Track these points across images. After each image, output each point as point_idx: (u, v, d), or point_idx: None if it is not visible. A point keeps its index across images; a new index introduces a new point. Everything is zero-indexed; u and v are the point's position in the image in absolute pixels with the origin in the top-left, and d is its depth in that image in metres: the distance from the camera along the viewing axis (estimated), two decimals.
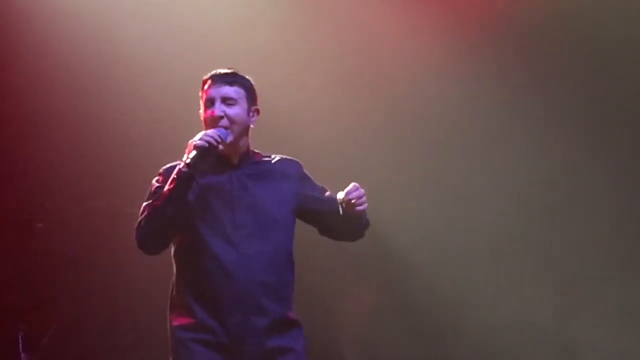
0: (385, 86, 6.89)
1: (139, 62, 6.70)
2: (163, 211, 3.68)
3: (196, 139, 3.71)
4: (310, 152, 5.61)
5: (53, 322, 6.44)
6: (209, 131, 3.76)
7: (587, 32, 6.64)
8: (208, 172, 3.83)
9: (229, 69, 3.94)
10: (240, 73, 3.95)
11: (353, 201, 3.69)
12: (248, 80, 3.94)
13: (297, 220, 4.01)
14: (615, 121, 6.75)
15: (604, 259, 6.66)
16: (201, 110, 3.93)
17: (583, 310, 6.63)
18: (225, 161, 3.88)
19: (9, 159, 6.27)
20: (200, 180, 3.77)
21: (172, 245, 3.87)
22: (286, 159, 4.03)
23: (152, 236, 3.73)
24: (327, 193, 4.00)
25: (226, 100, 3.85)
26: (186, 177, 3.68)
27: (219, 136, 3.73)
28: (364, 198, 3.72)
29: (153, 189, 3.83)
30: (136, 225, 3.76)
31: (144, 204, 3.79)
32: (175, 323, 3.83)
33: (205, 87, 3.90)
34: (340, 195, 3.72)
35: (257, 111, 3.95)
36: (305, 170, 4.06)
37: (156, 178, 3.88)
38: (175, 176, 3.70)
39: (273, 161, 4.00)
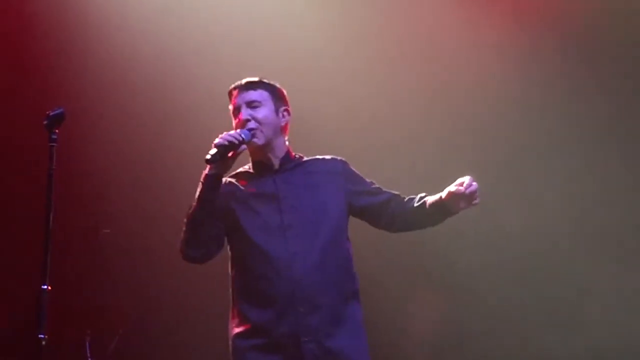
0: (444, 90, 6.83)
1: (202, 67, 6.73)
2: (194, 217, 3.77)
3: (216, 141, 3.76)
4: (365, 155, 5.62)
5: (120, 328, 6.48)
6: (231, 131, 3.81)
7: None
8: (252, 179, 3.92)
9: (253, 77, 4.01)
10: (265, 79, 4.01)
11: (473, 195, 3.74)
12: (271, 84, 3.99)
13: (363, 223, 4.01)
14: None
15: None
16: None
17: None
18: (268, 166, 3.94)
19: (73, 165, 6.32)
20: (245, 187, 3.88)
21: (230, 253, 3.94)
22: (330, 158, 4.05)
23: (189, 244, 3.83)
24: (375, 186, 4.03)
25: (251, 104, 3.91)
26: (211, 179, 3.75)
27: (240, 135, 3.77)
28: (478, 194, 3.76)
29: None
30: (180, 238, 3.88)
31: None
32: (232, 332, 3.87)
33: (231, 98, 3.98)
34: (452, 189, 3.74)
35: (288, 111, 3.99)
36: (352, 167, 4.06)
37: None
38: (201, 181, 3.77)
39: (317, 160, 4.03)
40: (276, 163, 3.94)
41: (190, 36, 6.77)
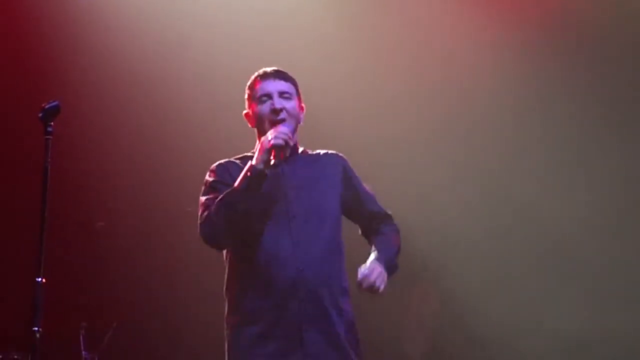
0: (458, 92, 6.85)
1: (202, 65, 6.75)
2: (236, 207, 3.68)
3: (270, 138, 3.69)
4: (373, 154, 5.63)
5: (114, 321, 6.48)
6: (280, 129, 3.76)
7: None
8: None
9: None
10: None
11: (371, 288, 3.73)
12: (295, 80, 4.00)
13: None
14: None
15: None
16: (246, 110, 3.98)
17: None
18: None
19: (69, 159, 6.32)
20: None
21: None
22: (332, 153, 4.06)
23: (225, 231, 3.73)
24: (371, 194, 4.06)
25: (283, 94, 3.90)
26: (257, 174, 3.67)
27: (291, 132, 3.77)
28: (377, 285, 3.74)
29: (209, 184, 3.87)
30: (202, 220, 3.77)
31: (203, 198, 3.82)
32: (229, 320, 3.85)
33: (258, 83, 3.94)
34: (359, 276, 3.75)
35: (303, 108, 4.01)
36: (351, 165, 4.08)
37: (208, 174, 3.91)
38: (249, 173, 3.69)
39: (320, 154, 4.05)
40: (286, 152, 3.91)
41: (186, 31, 6.78)
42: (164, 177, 6.84)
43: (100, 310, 6.59)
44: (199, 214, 3.80)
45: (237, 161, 3.95)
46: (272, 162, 3.66)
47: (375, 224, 4.03)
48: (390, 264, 3.87)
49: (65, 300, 6.35)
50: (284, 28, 6.76)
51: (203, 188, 3.88)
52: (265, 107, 3.88)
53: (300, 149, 4.03)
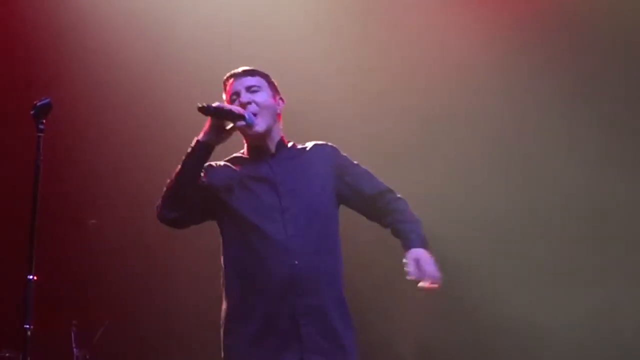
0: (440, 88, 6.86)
1: (193, 63, 6.74)
2: (177, 180, 3.78)
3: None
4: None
5: (105, 318, 6.47)
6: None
7: None
8: (247, 163, 3.94)
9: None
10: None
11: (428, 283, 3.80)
12: (266, 73, 4.05)
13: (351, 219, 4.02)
14: None
15: None
16: None
17: None
18: (264, 150, 3.95)
19: (61, 156, 6.31)
20: (241, 170, 3.89)
21: (221, 239, 3.93)
22: (321, 144, 4.07)
23: (166, 204, 3.84)
24: (368, 174, 4.06)
25: (250, 88, 3.96)
26: (201, 146, 3.78)
27: (242, 111, 3.81)
28: (434, 276, 3.81)
29: None
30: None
31: None
32: (225, 317, 3.86)
33: (228, 85, 4.01)
34: (408, 268, 3.80)
35: (282, 100, 4.05)
36: (342, 152, 4.08)
37: None
38: (191, 146, 3.80)
39: (308, 147, 4.05)
40: (272, 148, 3.96)
41: (177, 28, 6.77)
42: (156, 175, 6.77)
43: (92, 307, 6.57)
44: None
45: (227, 162, 4.00)
46: (202, 105, 3.70)
47: (381, 204, 4.00)
48: (424, 240, 3.91)
49: (57, 298, 6.34)
50: (271, 25, 6.75)
51: None
52: (236, 105, 3.92)
53: (290, 144, 4.04)
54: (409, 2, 6.85)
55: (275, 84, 4.06)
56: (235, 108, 3.83)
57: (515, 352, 6.71)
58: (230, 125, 3.81)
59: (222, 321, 3.88)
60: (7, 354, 5.80)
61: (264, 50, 6.33)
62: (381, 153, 6.73)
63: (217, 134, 3.80)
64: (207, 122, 3.80)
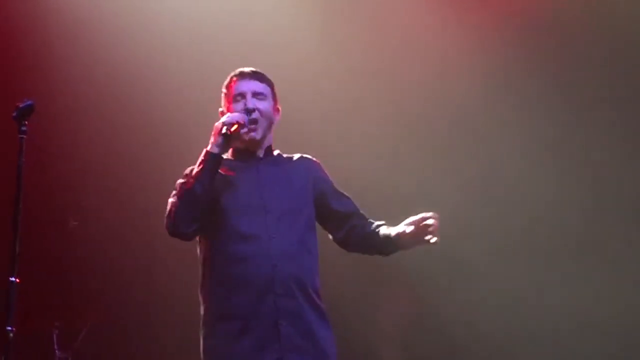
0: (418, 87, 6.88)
1: (179, 63, 6.74)
2: (193, 193, 3.75)
3: (223, 120, 3.81)
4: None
5: (88, 320, 6.46)
6: (235, 114, 3.85)
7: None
8: (233, 165, 3.95)
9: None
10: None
11: (430, 229, 3.75)
12: (272, 82, 4.07)
13: None
14: None
15: None
16: (222, 108, 4.03)
17: None
18: (252, 153, 3.98)
19: (43, 156, 6.30)
20: (226, 172, 3.90)
21: (199, 239, 3.93)
22: (306, 157, 4.10)
23: (184, 219, 3.77)
24: (346, 196, 4.06)
25: (257, 95, 3.97)
26: (214, 157, 3.79)
27: (245, 120, 3.84)
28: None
29: (178, 186, 3.88)
30: (167, 215, 3.82)
31: (170, 199, 3.85)
32: (204, 317, 3.87)
33: (234, 82, 4.01)
34: (401, 229, 3.77)
35: (278, 110, 4.07)
36: (325, 170, 4.11)
37: (181, 180, 3.92)
38: (202, 158, 3.80)
39: (294, 158, 4.09)
40: (261, 153, 4.00)
41: (165, 28, 6.76)
42: (139, 176, 6.81)
43: (74, 309, 6.56)
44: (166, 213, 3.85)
45: None
46: (223, 132, 3.75)
47: (357, 221, 4.01)
48: None
49: (39, 300, 6.32)
50: (261, 28, 6.76)
51: (173, 191, 3.90)
52: (238, 106, 3.94)
53: (276, 152, 4.08)
54: (397, 4, 6.87)
55: (275, 92, 4.07)
56: (239, 117, 3.84)
57: (501, 353, 6.74)
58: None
59: (201, 322, 3.88)
60: None
61: (250, 53, 6.33)
62: (372, 154, 6.77)
63: (227, 146, 3.84)
64: (214, 133, 3.82)
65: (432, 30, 6.82)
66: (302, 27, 6.79)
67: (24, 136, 3.81)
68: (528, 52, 6.75)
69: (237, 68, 4.06)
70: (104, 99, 6.78)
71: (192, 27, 6.76)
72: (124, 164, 6.86)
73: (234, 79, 4.01)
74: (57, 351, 6.21)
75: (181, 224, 3.78)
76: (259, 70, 4.05)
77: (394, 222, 3.90)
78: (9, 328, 3.66)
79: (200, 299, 3.91)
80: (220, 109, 4.04)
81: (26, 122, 3.82)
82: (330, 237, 4.09)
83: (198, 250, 3.96)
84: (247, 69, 4.03)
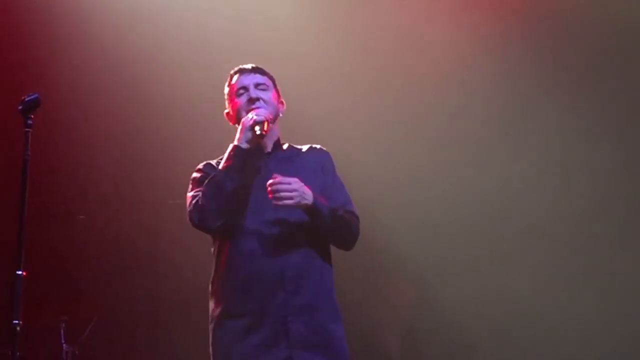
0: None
1: (184, 58, 6.74)
2: (224, 187, 3.76)
3: (251, 117, 3.81)
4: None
5: (94, 314, 6.47)
6: (258, 110, 3.86)
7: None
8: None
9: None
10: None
11: (282, 193, 3.70)
12: (272, 76, 4.08)
13: None
14: None
15: None
16: (227, 109, 4.05)
17: None
18: (261, 148, 3.96)
19: (50, 151, 6.31)
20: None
21: (213, 236, 3.93)
22: (316, 148, 4.09)
23: (214, 213, 3.78)
24: (344, 192, 4.03)
25: (259, 86, 3.98)
26: (242, 153, 3.80)
27: (268, 114, 3.86)
28: (294, 192, 3.70)
29: (196, 180, 3.91)
30: (191, 208, 3.82)
31: (190, 193, 3.87)
32: (213, 312, 3.87)
33: (235, 79, 4.02)
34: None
35: (283, 103, 4.07)
36: (334, 161, 4.09)
37: (195, 172, 3.95)
38: (231, 152, 3.81)
39: (303, 149, 4.08)
40: (269, 147, 3.99)
41: (168, 23, 6.76)
42: (146, 170, 6.82)
43: (81, 303, 6.57)
44: (187, 205, 3.85)
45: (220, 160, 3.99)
46: (258, 133, 3.76)
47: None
48: (333, 212, 3.83)
49: (46, 294, 6.34)
50: (255, 25, 6.77)
51: (190, 185, 3.92)
52: (242, 99, 3.95)
53: (285, 145, 4.07)
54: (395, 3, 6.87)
55: (279, 88, 4.09)
56: (265, 114, 3.84)
57: (501, 345, 6.74)
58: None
59: (210, 318, 3.88)
60: None
61: (249, 49, 6.34)
62: (370, 152, 6.77)
63: (255, 141, 3.83)
64: (241, 128, 3.83)
65: (433, 28, 6.82)
66: (304, 26, 6.79)
67: (30, 129, 3.81)
68: (528, 47, 6.74)
69: (242, 65, 4.07)
70: (111, 92, 6.78)
71: (202, 18, 6.77)
72: (131, 157, 6.87)
73: (235, 75, 4.03)
74: (64, 344, 6.21)
75: (209, 217, 3.78)
76: (258, 65, 4.07)
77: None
78: (16, 321, 3.66)
79: (210, 293, 3.91)
80: (226, 111, 4.05)
81: (32, 116, 3.82)
82: None
83: (212, 247, 3.97)
84: (246, 65, 4.05)
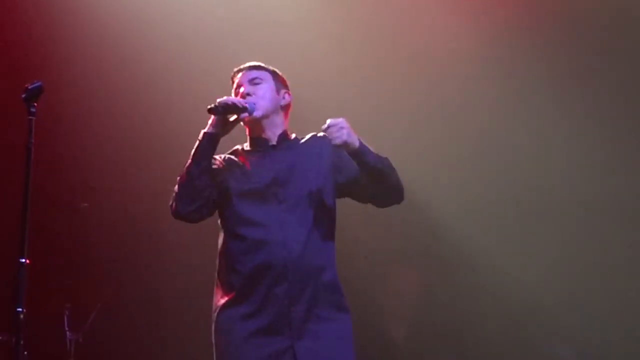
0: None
1: (187, 52, 6.75)
2: (188, 173, 3.83)
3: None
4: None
5: (98, 302, 6.48)
6: (226, 97, 3.91)
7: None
8: (249, 154, 4.00)
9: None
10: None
11: (332, 133, 3.75)
12: (273, 69, 4.12)
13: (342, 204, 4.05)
14: None
15: None
16: None
17: None
18: (265, 141, 4.01)
19: (53, 139, 6.31)
20: (242, 161, 3.96)
21: (221, 226, 3.97)
22: (319, 136, 4.08)
23: (181, 199, 3.85)
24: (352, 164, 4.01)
25: (252, 81, 4.03)
26: (209, 137, 3.87)
27: (244, 103, 3.89)
28: (341, 131, 3.74)
29: None
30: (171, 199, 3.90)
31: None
32: (218, 302, 3.90)
33: (234, 79, 4.10)
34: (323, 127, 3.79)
35: (289, 94, 4.10)
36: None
37: None
38: (199, 138, 3.88)
39: (307, 139, 4.09)
40: (274, 140, 4.01)
41: (172, 17, 6.75)
42: (149, 158, 6.82)
43: (84, 291, 6.58)
44: None
45: (230, 155, 4.06)
46: (208, 107, 3.81)
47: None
48: (380, 157, 3.87)
49: (49, 281, 6.35)
50: (267, 23, 6.75)
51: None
52: (238, 97, 4.00)
53: (293, 136, 4.09)
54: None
55: (284, 78, 4.11)
56: (238, 101, 3.90)
57: (510, 335, 6.75)
58: (234, 117, 3.90)
59: (214, 307, 3.91)
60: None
61: (253, 49, 6.32)
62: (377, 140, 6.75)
63: (223, 126, 3.90)
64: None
65: (435, 26, 6.81)
66: (312, 26, 6.79)
67: (33, 117, 3.81)
68: (533, 42, 6.73)
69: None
70: (115, 80, 6.77)
71: (197, 24, 6.77)
72: (135, 145, 6.87)
73: (236, 75, 4.09)
74: (67, 332, 6.23)
75: (179, 204, 3.85)
76: (258, 63, 4.10)
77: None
78: (20, 309, 3.67)
79: (215, 283, 3.95)
80: None
81: (35, 104, 3.82)
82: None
83: (219, 238, 3.99)
84: (245, 64, 4.10)
